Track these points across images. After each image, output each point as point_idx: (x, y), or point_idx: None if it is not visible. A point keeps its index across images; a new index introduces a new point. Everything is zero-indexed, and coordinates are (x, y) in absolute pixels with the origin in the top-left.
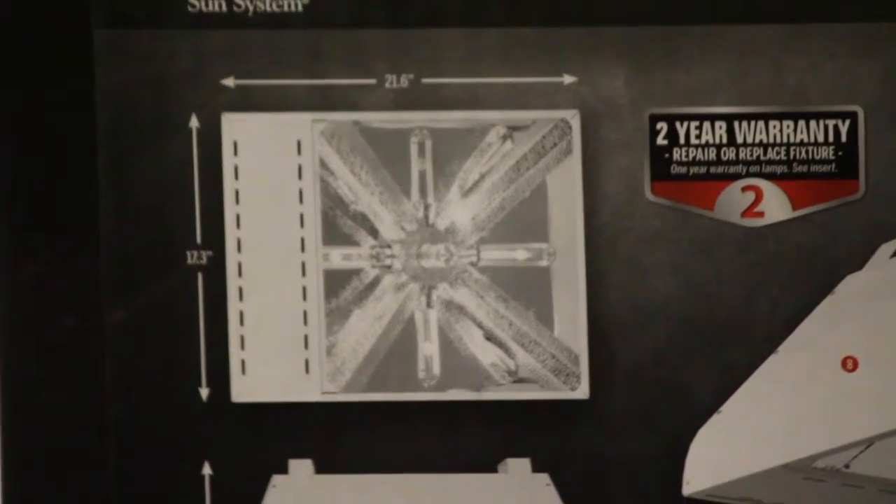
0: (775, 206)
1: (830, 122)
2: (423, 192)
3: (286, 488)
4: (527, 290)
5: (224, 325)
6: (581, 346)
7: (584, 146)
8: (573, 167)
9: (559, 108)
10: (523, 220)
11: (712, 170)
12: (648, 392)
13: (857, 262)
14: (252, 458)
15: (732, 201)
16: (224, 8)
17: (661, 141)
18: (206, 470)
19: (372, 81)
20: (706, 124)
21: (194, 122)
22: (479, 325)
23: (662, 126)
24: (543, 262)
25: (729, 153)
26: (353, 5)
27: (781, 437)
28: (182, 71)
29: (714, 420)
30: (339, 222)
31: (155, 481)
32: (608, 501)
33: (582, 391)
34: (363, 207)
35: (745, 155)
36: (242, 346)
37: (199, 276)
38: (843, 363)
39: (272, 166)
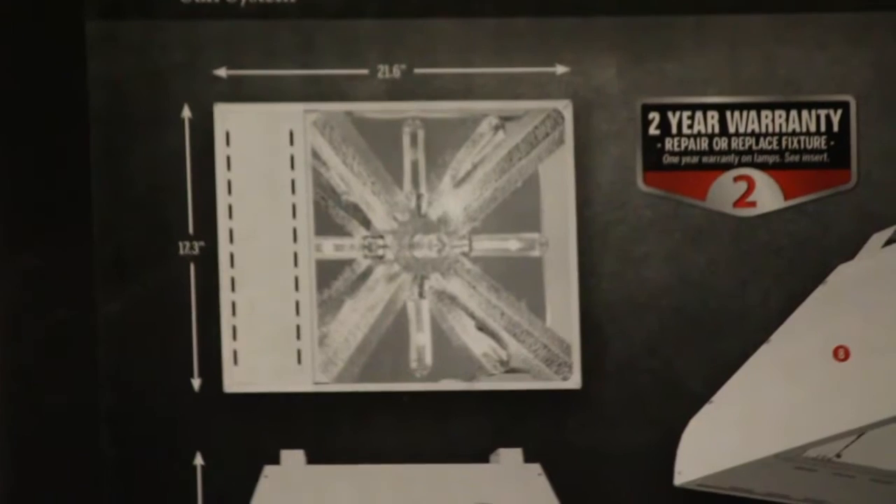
0: (767, 195)
1: (822, 112)
2: (415, 182)
3: (278, 479)
4: (519, 280)
5: (216, 315)
6: (573, 336)
7: (576, 136)
8: (565, 157)
9: (551, 98)
10: (515, 210)
11: (704, 160)
12: (640, 382)
13: (849, 251)
14: (244, 448)
15: (724, 191)
16: None
17: (653, 131)
18: (199, 460)
19: (364, 72)
20: (698, 114)
21: (186, 113)
22: (472, 316)
23: (655, 116)
24: (535, 252)
25: (721, 143)
26: None
27: (773, 427)
28: (174, 62)
29: (706, 410)
30: (331, 212)
31: (147, 471)
32: (600, 491)
33: (574, 381)
34: (355, 198)
35: (738, 145)
36: (234, 337)
37: (192, 267)
38: (835, 353)
39: (264, 157)
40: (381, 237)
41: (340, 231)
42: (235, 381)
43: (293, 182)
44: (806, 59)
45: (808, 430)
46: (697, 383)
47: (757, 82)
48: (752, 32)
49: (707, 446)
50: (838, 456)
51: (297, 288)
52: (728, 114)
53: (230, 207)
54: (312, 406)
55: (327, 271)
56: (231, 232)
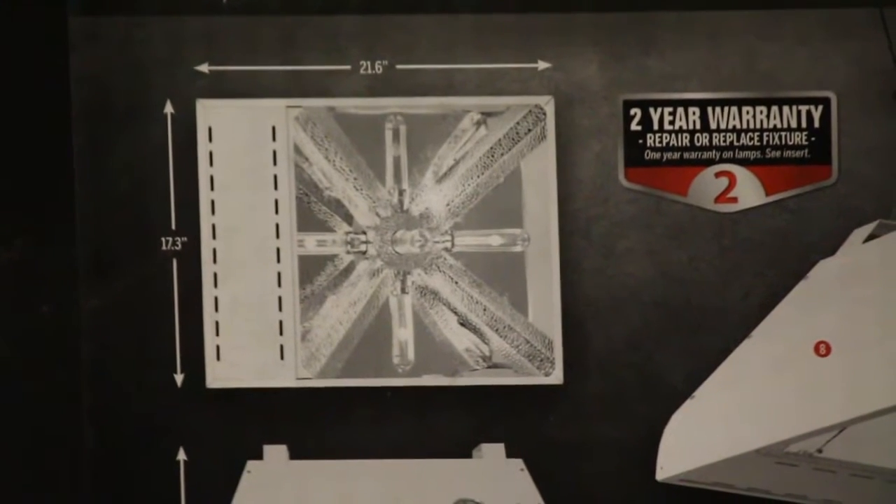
0: (748, 191)
1: (803, 108)
2: (397, 178)
3: (261, 474)
4: (501, 275)
5: (199, 311)
6: (555, 331)
7: (558, 132)
8: (547, 153)
9: (533, 94)
10: (497, 205)
11: (686, 155)
12: (622, 377)
13: (830, 247)
14: (227, 443)
15: (706, 187)
16: None
17: (634, 127)
18: (181, 455)
19: (346, 67)
20: (679, 110)
21: (169, 109)
22: (454, 311)
23: (636, 112)
24: (517, 248)
25: (702, 139)
26: None
27: (754, 422)
28: (156, 57)
29: (687, 405)
30: (313, 208)
31: (130, 466)
32: (581, 486)
33: (556, 376)
34: (338, 193)
35: (719, 140)
36: (217, 333)
37: (174, 263)
38: (816, 348)
39: (247, 152)
40: (364, 233)
41: (323, 227)
42: (218, 376)
43: (276, 178)
44: (787, 56)
45: (789, 425)
46: (679, 379)
47: (738, 78)
48: (733, 29)
49: (689, 442)
50: (819, 451)
51: (279, 284)
52: (709, 110)
53: (213, 203)
54: (295, 401)
55: (310, 267)
56: (213, 227)
